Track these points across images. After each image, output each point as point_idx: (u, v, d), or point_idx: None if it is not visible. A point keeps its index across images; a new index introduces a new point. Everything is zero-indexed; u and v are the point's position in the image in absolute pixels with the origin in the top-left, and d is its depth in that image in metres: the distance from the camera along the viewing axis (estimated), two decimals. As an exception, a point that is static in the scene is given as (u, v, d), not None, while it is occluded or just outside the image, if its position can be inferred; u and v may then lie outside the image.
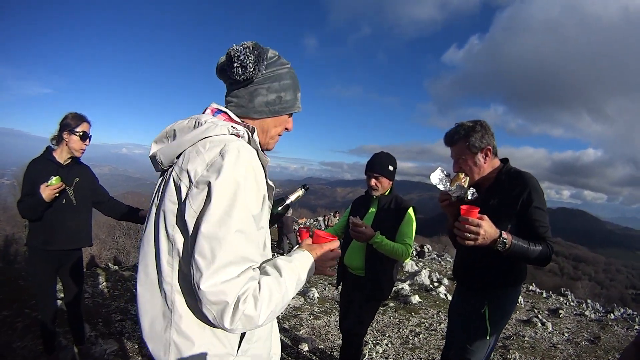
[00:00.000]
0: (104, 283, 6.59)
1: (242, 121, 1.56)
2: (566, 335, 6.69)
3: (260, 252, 1.39)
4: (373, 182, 3.36)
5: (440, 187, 2.63)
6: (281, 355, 4.23)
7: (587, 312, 8.62)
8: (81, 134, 3.29)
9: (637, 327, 7.66)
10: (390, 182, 3.42)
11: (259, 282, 1.24)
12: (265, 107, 1.56)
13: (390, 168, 3.37)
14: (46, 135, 3.36)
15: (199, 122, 1.41)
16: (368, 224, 3.23)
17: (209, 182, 1.23)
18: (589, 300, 12.44)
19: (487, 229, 2.14)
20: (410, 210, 3.34)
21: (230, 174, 1.23)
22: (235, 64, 1.44)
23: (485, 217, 2.17)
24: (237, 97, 1.56)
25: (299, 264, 1.45)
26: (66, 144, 3.27)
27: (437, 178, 2.66)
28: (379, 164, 3.36)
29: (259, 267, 1.34)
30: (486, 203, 2.48)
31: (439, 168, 2.69)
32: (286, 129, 1.72)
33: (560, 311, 8.04)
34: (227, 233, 1.19)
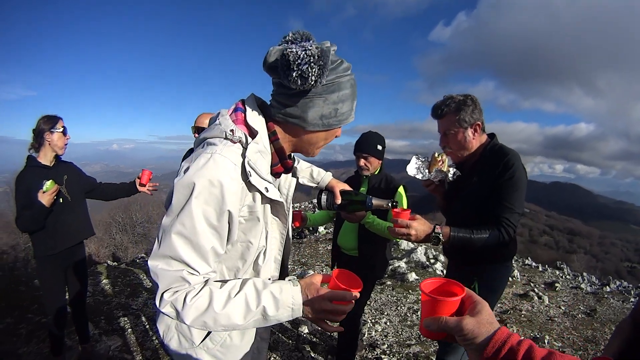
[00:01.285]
0: (104, 280, 6.63)
1: (275, 124, 1.48)
2: (562, 308, 6.74)
3: (210, 260, 1.32)
4: (362, 162, 3.37)
5: (419, 176, 2.64)
6: (281, 338, 4.28)
7: (583, 285, 8.67)
8: (61, 129, 3.36)
9: (632, 299, 7.72)
10: (380, 162, 3.42)
11: (201, 289, 1.28)
12: (319, 120, 1.42)
13: (379, 147, 3.36)
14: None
15: (216, 119, 1.46)
16: None
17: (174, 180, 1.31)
18: (584, 273, 12.52)
19: (417, 227, 2.25)
20: (401, 189, 3.35)
21: (188, 179, 1.25)
22: (295, 73, 1.25)
23: (417, 216, 2.30)
24: (287, 104, 1.41)
25: (270, 297, 1.31)
26: (49, 145, 3.32)
27: (413, 169, 2.65)
28: (367, 143, 3.36)
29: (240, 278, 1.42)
30: (469, 181, 2.52)
31: (414, 157, 2.67)
32: (335, 136, 1.56)
33: (557, 284, 8.10)
34: (170, 232, 1.25)
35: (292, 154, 1.75)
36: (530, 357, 0.82)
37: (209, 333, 1.54)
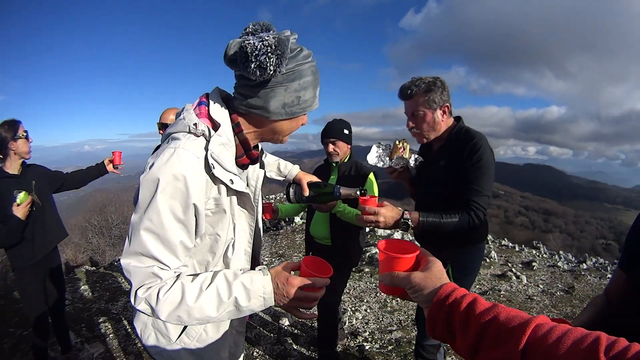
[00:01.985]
0: (83, 286, 6.50)
1: (239, 115, 1.49)
2: (541, 286, 6.83)
3: (180, 254, 1.33)
4: (331, 147, 3.35)
5: (380, 164, 2.61)
6: (262, 332, 4.23)
7: (560, 264, 8.81)
8: (24, 134, 3.24)
9: (609, 275, 7.85)
10: (348, 147, 3.40)
11: (173, 283, 1.28)
12: (282, 109, 1.41)
13: (346, 131, 3.35)
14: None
15: (181, 114, 1.46)
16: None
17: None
18: (561, 252, 12.72)
19: (386, 213, 2.23)
20: (371, 176, 3.33)
21: (153, 175, 1.25)
22: (253, 64, 1.26)
23: (386, 203, 2.29)
24: (249, 95, 1.41)
25: (241, 288, 1.31)
26: (14, 153, 3.21)
27: (374, 157, 2.63)
28: (334, 129, 3.34)
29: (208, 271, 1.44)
30: (435, 165, 2.50)
31: (374, 145, 2.64)
32: (302, 124, 1.57)
33: (534, 263, 8.21)
34: (138, 228, 1.25)
35: (260, 146, 1.78)
36: (473, 308, 0.87)
37: (184, 329, 1.56)
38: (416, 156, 2.53)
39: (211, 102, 1.46)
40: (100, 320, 5.12)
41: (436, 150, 2.56)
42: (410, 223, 2.24)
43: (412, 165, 2.52)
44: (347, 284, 5.75)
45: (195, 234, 1.39)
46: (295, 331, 4.66)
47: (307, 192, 2.12)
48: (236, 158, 1.51)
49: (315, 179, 2.19)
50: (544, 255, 10.19)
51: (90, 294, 6.20)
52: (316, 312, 1.54)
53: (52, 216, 3.56)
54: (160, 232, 1.26)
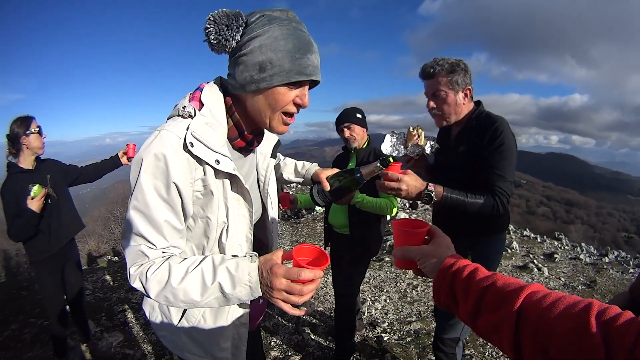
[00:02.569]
0: (104, 276, 6.67)
1: (231, 98, 1.47)
2: (562, 279, 6.73)
3: (166, 233, 1.34)
4: (347, 132, 3.33)
5: (395, 153, 2.50)
6: (280, 322, 4.25)
7: (581, 256, 8.67)
8: (37, 130, 3.29)
9: (632, 270, 7.72)
10: (364, 130, 3.38)
11: (161, 264, 1.31)
12: (249, 80, 1.33)
13: (358, 115, 3.33)
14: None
15: None
16: None
17: None
18: (583, 244, 12.53)
19: (409, 181, 2.15)
20: (390, 160, 3.27)
21: (138, 156, 1.32)
22: (205, 39, 1.34)
23: (409, 171, 2.20)
24: (228, 73, 1.43)
25: (226, 273, 1.26)
26: (27, 148, 3.26)
27: (388, 147, 2.52)
28: (347, 114, 3.33)
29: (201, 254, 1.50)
30: (454, 151, 2.45)
31: (387, 134, 2.54)
32: (295, 104, 1.41)
33: (556, 255, 8.09)
34: (129, 208, 1.33)
35: (277, 138, 1.86)
36: (473, 275, 0.94)
37: (184, 313, 1.60)
38: (432, 143, 2.46)
39: (206, 87, 1.48)
40: (120, 309, 5.23)
41: (455, 135, 2.51)
42: (433, 196, 2.17)
43: (428, 152, 2.46)
44: (367, 274, 5.73)
45: (184, 215, 1.40)
46: (314, 321, 4.68)
47: (327, 186, 1.91)
48: (232, 140, 1.51)
49: (333, 170, 2.01)
50: (566, 247, 10.05)
51: (111, 283, 6.35)
52: (305, 309, 1.40)
53: (68, 209, 3.63)
54: (145, 211, 1.30)
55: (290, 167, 2.19)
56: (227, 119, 1.48)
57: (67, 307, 3.77)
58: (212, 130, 1.39)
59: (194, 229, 1.49)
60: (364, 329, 4.44)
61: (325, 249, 4.61)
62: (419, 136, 2.44)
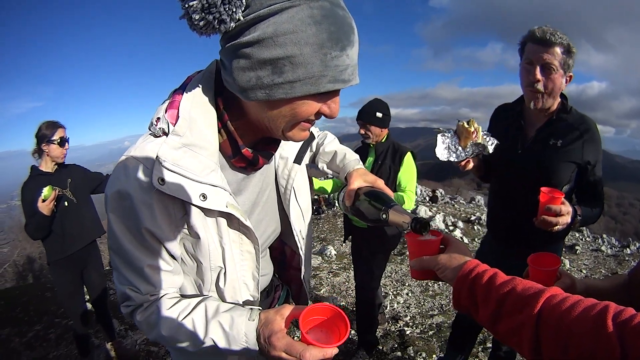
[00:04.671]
0: None
1: (225, 97, 1.09)
2: (584, 272, 6.70)
3: (151, 279, 1.10)
4: (362, 130, 3.33)
5: (453, 158, 2.11)
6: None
7: (603, 248, 8.60)
8: (58, 141, 3.31)
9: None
10: (382, 130, 3.34)
11: (148, 306, 1.14)
12: (257, 85, 0.92)
13: (379, 115, 3.27)
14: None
15: None
16: None
17: None
18: (604, 235, 12.39)
19: (568, 209, 1.85)
20: (408, 156, 3.29)
21: (105, 191, 1.07)
22: (183, 15, 0.89)
23: (565, 201, 1.85)
24: (222, 58, 1.01)
25: (219, 330, 1.08)
26: (47, 155, 3.30)
27: (443, 150, 2.11)
28: (367, 112, 3.30)
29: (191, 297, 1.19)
30: (545, 142, 2.17)
31: (438, 135, 2.14)
32: (323, 114, 1.02)
33: (577, 247, 8.05)
34: (108, 245, 1.13)
35: (314, 131, 1.53)
36: (493, 281, 0.94)
37: None
38: (492, 139, 2.11)
39: (191, 84, 1.09)
40: (143, 307, 5.30)
41: (542, 126, 2.19)
42: (580, 219, 1.98)
43: (490, 151, 2.09)
44: (389, 268, 5.75)
45: (172, 256, 1.13)
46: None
47: (349, 201, 1.43)
48: (230, 158, 1.15)
49: (371, 178, 1.48)
50: (587, 239, 9.98)
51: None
52: None
53: (88, 214, 3.64)
54: (122, 255, 1.08)
55: (327, 156, 1.71)
56: (219, 129, 1.10)
57: (89, 306, 3.87)
58: (193, 154, 1.03)
59: (186, 267, 1.19)
60: (386, 323, 4.48)
61: (344, 242, 4.63)
62: (476, 132, 2.07)
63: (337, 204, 1.71)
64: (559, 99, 2.17)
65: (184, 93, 1.06)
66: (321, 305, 1.05)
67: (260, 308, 1.14)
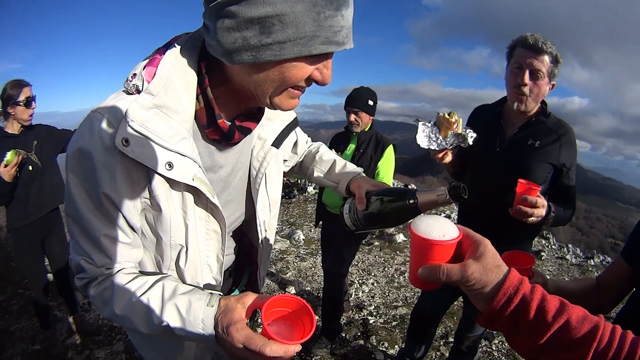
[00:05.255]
0: None
1: (208, 62, 1.02)
2: (548, 277, 6.80)
3: (108, 249, 1.03)
4: (353, 117, 3.30)
5: (434, 146, 2.06)
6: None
7: (568, 256, 8.75)
8: (25, 101, 3.14)
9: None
10: (371, 118, 3.36)
11: (103, 280, 1.06)
12: (243, 46, 0.85)
13: (370, 102, 3.29)
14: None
15: None
16: (347, 160, 3.31)
17: None
18: (570, 245, 12.65)
19: (544, 203, 1.91)
20: (390, 148, 3.29)
21: (68, 147, 0.98)
22: None
23: (540, 195, 1.89)
24: (204, 20, 0.94)
25: (174, 314, 0.98)
26: (13, 117, 3.14)
27: (424, 138, 2.07)
28: (359, 98, 3.28)
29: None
30: (523, 142, 2.21)
31: (420, 123, 2.09)
32: (313, 80, 0.96)
33: (542, 253, 8.17)
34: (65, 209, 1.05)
35: (293, 114, 1.39)
36: (544, 310, 0.76)
37: None
38: (472, 133, 2.07)
39: (177, 42, 1.02)
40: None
41: (519, 127, 2.24)
42: (552, 216, 2.02)
43: (470, 142, 2.04)
44: (356, 257, 5.77)
45: (132, 227, 1.05)
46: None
47: (362, 205, 1.33)
48: (204, 128, 1.07)
49: (377, 183, 1.42)
50: (553, 247, 10.13)
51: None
52: None
53: (53, 178, 3.45)
54: (78, 221, 1.00)
55: (324, 165, 1.64)
56: (197, 96, 1.03)
57: (51, 277, 3.73)
58: (164, 116, 0.96)
59: (146, 240, 1.11)
60: (351, 311, 4.48)
61: (315, 227, 4.63)
62: (457, 123, 2.05)
63: (345, 222, 1.52)
64: (539, 104, 2.23)
65: (167, 51, 0.99)
66: (287, 296, 0.96)
67: (221, 294, 1.05)
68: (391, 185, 1.34)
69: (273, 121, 1.31)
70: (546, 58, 2.08)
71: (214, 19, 0.86)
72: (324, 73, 0.95)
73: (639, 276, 1.34)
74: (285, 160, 1.61)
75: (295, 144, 1.62)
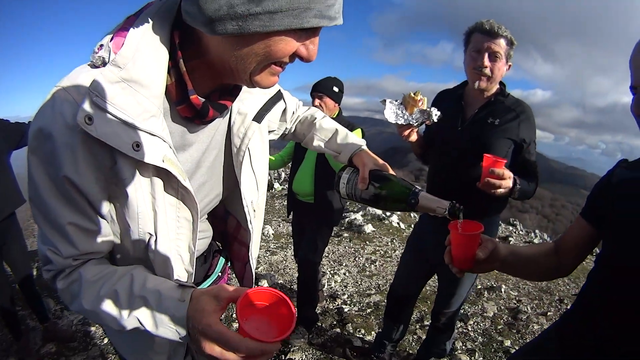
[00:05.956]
0: None
1: (182, 31, 0.93)
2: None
3: (74, 239, 0.94)
4: (317, 102, 3.30)
5: (401, 121, 2.08)
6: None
7: (535, 241, 8.95)
8: None
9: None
10: (336, 105, 3.37)
11: (70, 272, 0.99)
12: (228, 14, 0.76)
13: (335, 89, 3.30)
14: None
15: None
16: None
17: None
18: (536, 231, 12.93)
19: (511, 175, 2.01)
20: (358, 131, 3.25)
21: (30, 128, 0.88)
22: None
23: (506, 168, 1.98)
24: None
25: (143, 309, 0.92)
26: None
27: (392, 114, 2.08)
28: (323, 85, 3.29)
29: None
30: (483, 120, 2.30)
31: (387, 101, 2.09)
32: (298, 56, 0.88)
33: (510, 238, 8.33)
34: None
35: (278, 88, 1.32)
36: None
37: None
38: (436, 111, 2.06)
39: (147, 10, 0.92)
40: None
41: (480, 107, 2.34)
42: (518, 189, 2.11)
43: (434, 119, 2.06)
44: (326, 248, 5.79)
45: (99, 214, 0.96)
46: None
47: (364, 185, 1.33)
48: (176, 105, 0.98)
49: (381, 162, 1.41)
50: (520, 232, 10.33)
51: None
52: None
53: (5, 180, 3.14)
54: (41, 208, 0.92)
55: (325, 133, 1.57)
56: (169, 69, 0.93)
57: (16, 286, 3.48)
58: (132, 91, 0.86)
59: (114, 227, 1.01)
60: (325, 301, 4.47)
61: (288, 217, 4.60)
62: (422, 102, 2.07)
63: (339, 190, 1.52)
64: (497, 85, 2.34)
65: (137, 19, 0.89)
66: (265, 289, 0.88)
67: (195, 286, 0.96)
68: (394, 174, 1.33)
69: (254, 94, 1.21)
70: (502, 41, 2.20)
71: None
72: (310, 49, 0.87)
73: (600, 232, 1.36)
74: (272, 131, 1.51)
75: (284, 111, 1.51)
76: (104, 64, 0.85)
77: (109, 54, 0.85)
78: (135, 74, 0.85)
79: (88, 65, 0.87)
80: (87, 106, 0.80)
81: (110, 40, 0.86)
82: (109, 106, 0.82)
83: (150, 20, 0.89)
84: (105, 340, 3.69)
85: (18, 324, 3.45)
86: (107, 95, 0.81)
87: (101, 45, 0.86)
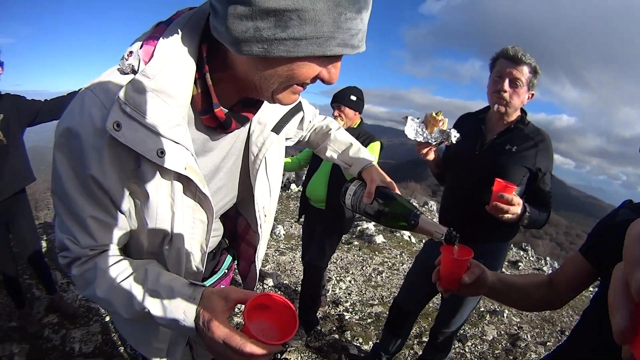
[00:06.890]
0: None
1: (210, 45, 0.96)
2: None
3: (94, 231, 1.00)
4: (336, 112, 3.32)
5: (420, 138, 2.14)
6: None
7: (545, 268, 8.81)
8: None
9: (590, 288, 7.87)
10: (356, 113, 3.37)
11: (86, 260, 1.04)
12: (255, 37, 0.78)
13: (353, 98, 3.31)
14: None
15: None
16: None
17: None
18: (547, 258, 12.75)
19: (520, 202, 2.03)
20: (376, 144, 3.29)
21: (57, 126, 0.95)
22: None
23: (516, 194, 2.02)
24: (214, 7, 0.84)
25: (156, 303, 0.98)
26: None
27: (412, 131, 2.14)
28: (341, 94, 3.32)
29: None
30: (501, 147, 2.32)
31: (409, 118, 2.15)
32: (320, 79, 0.92)
33: (520, 264, 8.21)
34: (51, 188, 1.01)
35: (298, 98, 1.25)
36: None
37: None
38: (456, 132, 2.10)
39: (177, 20, 0.96)
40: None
41: (499, 133, 2.36)
42: (528, 217, 2.12)
43: (453, 141, 2.09)
44: (335, 255, 5.79)
45: (120, 210, 1.00)
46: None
47: (369, 200, 1.38)
48: (200, 115, 1.02)
49: (388, 180, 1.47)
50: (531, 258, 10.20)
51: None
52: None
53: (17, 157, 3.21)
54: (65, 201, 0.97)
55: (339, 145, 1.64)
56: (195, 80, 0.97)
57: (11, 256, 3.49)
58: (160, 101, 0.90)
59: (131, 223, 1.06)
60: (327, 306, 4.51)
61: (299, 220, 4.63)
62: (443, 122, 2.12)
63: (344, 200, 1.57)
64: (519, 112, 2.36)
65: (167, 29, 0.93)
66: (271, 295, 0.97)
67: (205, 285, 1.03)
68: (399, 193, 1.40)
69: (272, 106, 1.25)
70: (525, 69, 2.22)
71: (225, 3, 0.78)
72: (332, 73, 0.91)
73: (600, 271, 1.36)
74: (288, 138, 1.58)
75: (302, 120, 1.57)
76: (134, 72, 0.91)
77: (139, 63, 0.90)
78: (163, 85, 0.90)
79: (117, 69, 0.93)
80: (116, 113, 0.85)
81: (140, 48, 0.91)
82: (136, 115, 0.87)
83: (179, 31, 0.93)
84: (107, 318, 3.78)
85: (21, 294, 3.56)
86: (135, 104, 0.87)
87: (131, 52, 0.91)
